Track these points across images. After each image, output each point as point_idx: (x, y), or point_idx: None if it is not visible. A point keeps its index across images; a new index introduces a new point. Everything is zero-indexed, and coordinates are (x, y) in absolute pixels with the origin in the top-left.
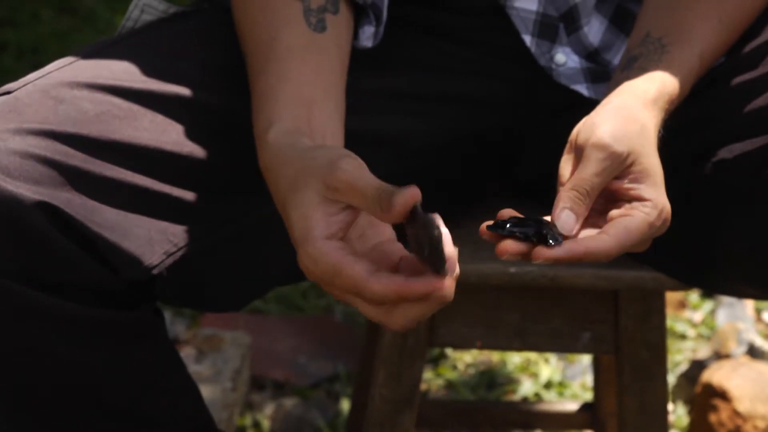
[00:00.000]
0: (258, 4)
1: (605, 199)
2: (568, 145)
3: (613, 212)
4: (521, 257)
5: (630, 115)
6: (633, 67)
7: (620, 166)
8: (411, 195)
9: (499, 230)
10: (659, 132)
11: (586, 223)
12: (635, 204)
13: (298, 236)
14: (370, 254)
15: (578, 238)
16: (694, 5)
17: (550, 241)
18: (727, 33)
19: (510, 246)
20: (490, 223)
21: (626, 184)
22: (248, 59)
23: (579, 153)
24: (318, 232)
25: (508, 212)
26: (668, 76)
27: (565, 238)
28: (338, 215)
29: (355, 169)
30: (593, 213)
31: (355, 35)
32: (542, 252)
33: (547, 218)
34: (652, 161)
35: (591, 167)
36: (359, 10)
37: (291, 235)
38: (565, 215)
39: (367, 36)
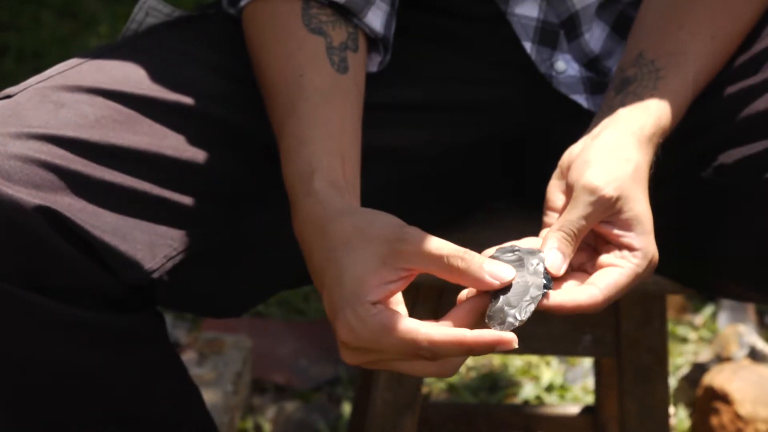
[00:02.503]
0: (277, 36)
1: (595, 235)
2: (557, 170)
3: (603, 259)
4: None
5: (622, 155)
6: (627, 92)
7: (609, 209)
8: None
9: None
10: (651, 168)
11: (575, 258)
12: (625, 253)
13: (348, 296)
14: None
15: (569, 290)
16: (686, 22)
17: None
18: (720, 50)
19: None
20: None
21: (615, 231)
22: (272, 92)
23: (569, 189)
24: (371, 297)
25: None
26: (664, 108)
27: (553, 276)
28: (393, 283)
29: (422, 236)
30: (582, 246)
31: None
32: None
33: (530, 240)
34: (641, 207)
35: (579, 210)
36: (369, 39)
37: (332, 291)
38: (553, 255)
39: (374, 63)
